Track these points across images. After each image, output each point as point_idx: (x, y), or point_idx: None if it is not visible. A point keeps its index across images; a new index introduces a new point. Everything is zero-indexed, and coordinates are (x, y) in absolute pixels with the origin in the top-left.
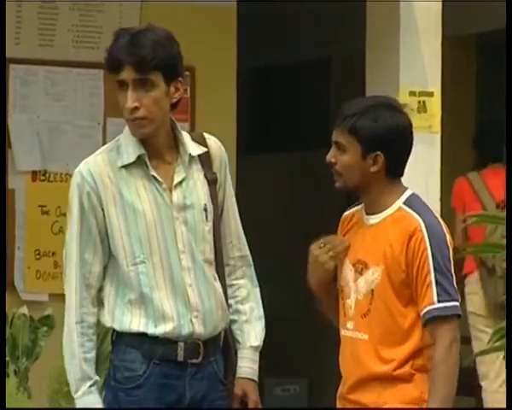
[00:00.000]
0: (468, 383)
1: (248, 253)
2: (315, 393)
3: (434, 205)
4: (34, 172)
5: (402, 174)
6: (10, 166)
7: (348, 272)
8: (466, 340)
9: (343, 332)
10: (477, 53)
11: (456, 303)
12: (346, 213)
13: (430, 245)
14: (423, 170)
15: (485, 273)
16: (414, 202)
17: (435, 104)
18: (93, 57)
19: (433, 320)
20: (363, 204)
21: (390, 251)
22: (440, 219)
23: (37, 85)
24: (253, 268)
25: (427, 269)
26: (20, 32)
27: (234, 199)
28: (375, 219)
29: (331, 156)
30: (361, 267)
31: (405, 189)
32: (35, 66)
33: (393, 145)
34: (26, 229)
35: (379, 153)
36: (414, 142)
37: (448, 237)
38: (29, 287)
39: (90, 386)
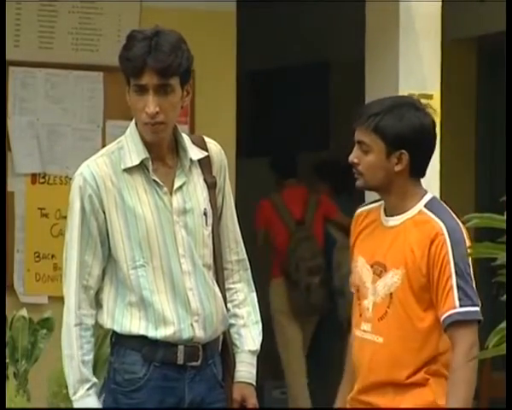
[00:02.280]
0: None
1: (245, 257)
2: (314, 395)
3: None
4: (34, 175)
5: (424, 175)
6: (10, 168)
7: (365, 272)
8: None
9: (358, 333)
10: (477, 56)
11: (477, 308)
12: (361, 209)
13: (452, 250)
14: None
15: (289, 284)
16: (435, 206)
17: (435, 107)
18: (92, 60)
19: (454, 324)
20: (380, 203)
21: (411, 255)
22: (461, 224)
23: (36, 88)
24: (249, 272)
25: (448, 274)
26: (20, 34)
27: (232, 203)
28: (394, 222)
29: (354, 157)
30: (380, 270)
31: (426, 192)
32: (34, 68)
33: (418, 144)
34: (25, 231)
35: (403, 151)
36: None
37: (467, 242)
38: (28, 289)
39: (88, 389)
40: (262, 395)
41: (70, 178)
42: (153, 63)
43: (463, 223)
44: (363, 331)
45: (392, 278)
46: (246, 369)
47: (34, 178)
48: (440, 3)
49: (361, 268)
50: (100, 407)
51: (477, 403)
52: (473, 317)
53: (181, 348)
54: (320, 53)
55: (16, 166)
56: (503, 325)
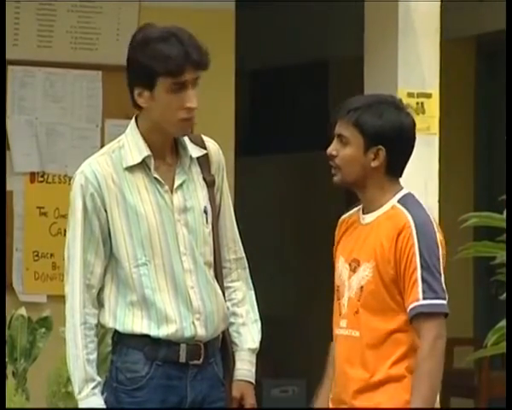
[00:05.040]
0: (467, 384)
1: (244, 255)
2: (313, 394)
3: (433, 206)
4: (32, 174)
5: (401, 174)
6: (8, 167)
7: (344, 270)
8: (465, 341)
9: (337, 331)
10: (476, 54)
11: (443, 301)
12: (343, 216)
13: (418, 242)
14: (422, 171)
15: None
16: (408, 201)
17: (433, 106)
18: (91, 59)
19: (417, 317)
20: (359, 206)
21: (380, 248)
22: (432, 218)
23: (35, 87)
24: (247, 271)
25: (414, 266)
26: (19, 33)
27: (230, 202)
28: (369, 218)
29: (332, 149)
30: (354, 265)
31: (401, 188)
32: (33, 67)
33: (396, 142)
34: (24, 230)
35: (381, 147)
36: None
37: (438, 236)
38: (27, 288)
39: (93, 388)
40: (260, 393)
41: (69, 177)
42: (196, 57)
43: (462, 222)
44: (340, 328)
45: (364, 272)
46: (246, 367)
47: (33, 177)
48: (439, 2)
49: (341, 268)
50: (104, 405)
51: (475, 405)
52: (437, 310)
53: (183, 346)
54: (319, 51)
55: (15, 165)
56: (502, 323)
